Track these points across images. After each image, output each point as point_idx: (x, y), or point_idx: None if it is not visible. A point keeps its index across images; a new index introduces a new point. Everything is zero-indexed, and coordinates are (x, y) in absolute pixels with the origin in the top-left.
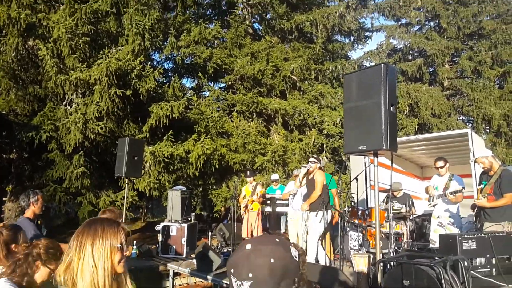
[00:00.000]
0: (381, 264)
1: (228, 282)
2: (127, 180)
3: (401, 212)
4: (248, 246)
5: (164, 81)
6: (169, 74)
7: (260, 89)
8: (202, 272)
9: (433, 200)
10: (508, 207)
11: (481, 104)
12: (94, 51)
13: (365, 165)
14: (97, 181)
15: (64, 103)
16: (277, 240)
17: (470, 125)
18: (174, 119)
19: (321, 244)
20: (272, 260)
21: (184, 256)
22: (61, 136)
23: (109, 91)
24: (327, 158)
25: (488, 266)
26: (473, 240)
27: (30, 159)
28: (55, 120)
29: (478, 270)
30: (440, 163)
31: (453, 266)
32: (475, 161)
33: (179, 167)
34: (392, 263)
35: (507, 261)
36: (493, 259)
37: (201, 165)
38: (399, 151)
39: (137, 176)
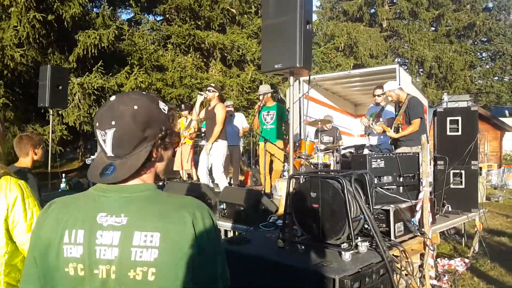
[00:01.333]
0: (293, 180)
1: None
2: (51, 111)
3: (329, 144)
4: (113, 98)
5: (95, 10)
6: (100, 3)
7: (198, 22)
8: None
9: (367, 130)
10: (418, 133)
11: (416, 46)
12: None
13: (299, 99)
14: (23, 115)
15: None
16: (144, 92)
17: (405, 67)
18: (104, 49)
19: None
20: (135, 107)
21: None
22: None
23: (28, 14)
24: None
25: (395, 184)
26: (382, 159)
27: None
28: None
29: (385, 187)
30: (379, 91)
31: (359, 180)
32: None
33: None
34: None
35: (412, 180)
36: (400, 177)
37: None
38: (333, 88)
39: (63, 107)
